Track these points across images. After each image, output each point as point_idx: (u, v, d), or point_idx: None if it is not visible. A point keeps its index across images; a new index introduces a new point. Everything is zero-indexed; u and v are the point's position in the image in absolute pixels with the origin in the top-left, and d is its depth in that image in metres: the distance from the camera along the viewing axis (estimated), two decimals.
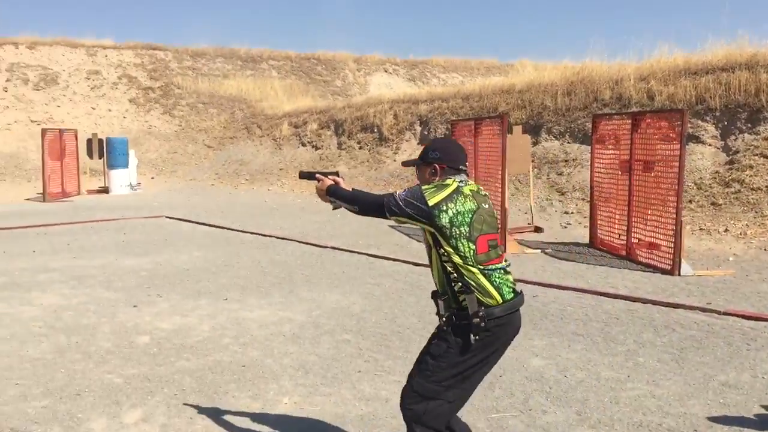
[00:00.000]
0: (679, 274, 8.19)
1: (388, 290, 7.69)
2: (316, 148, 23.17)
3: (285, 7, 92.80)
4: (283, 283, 8.11)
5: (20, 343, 5.80)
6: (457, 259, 2.94)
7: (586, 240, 10.59)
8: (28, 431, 4.07)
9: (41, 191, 19.27)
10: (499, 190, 10.45)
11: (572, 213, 12.52)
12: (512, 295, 3.03)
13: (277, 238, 11.57)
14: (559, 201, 13.14)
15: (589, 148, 13.24)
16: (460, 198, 2.98)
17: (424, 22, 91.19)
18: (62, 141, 20.17)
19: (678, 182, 8.29)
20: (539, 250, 10.05)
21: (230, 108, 28.99)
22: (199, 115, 28.73)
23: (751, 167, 11.19)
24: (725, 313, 6.46)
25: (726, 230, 10.23)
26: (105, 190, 20.96)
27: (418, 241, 11.16)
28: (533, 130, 15.15)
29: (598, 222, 10.31)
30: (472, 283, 2.93)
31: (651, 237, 8.96)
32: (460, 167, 3.13)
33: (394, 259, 9.37)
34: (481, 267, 2.95)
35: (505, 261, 3.10)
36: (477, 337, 2.91)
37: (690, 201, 11.12)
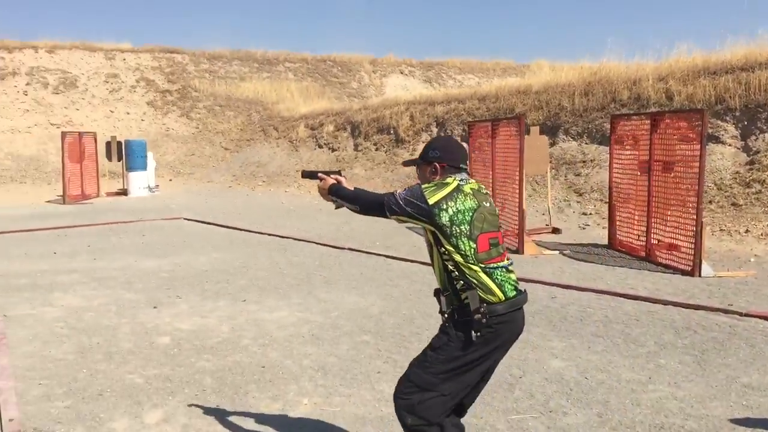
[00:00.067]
0: (700, 276, 8.13)
1: (406, 291, 7.69)
2: (333, 150, 23.22)
3: (301, 9, 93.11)
4: (302, 285, 8.14)
5: (43, 343, 5.87)
6: (458, 257, 2.94)
7: (605, 241, 10.53)
8: (52, 430, 4.11)
9: (61, 193, 19.45)
10: (517, 191, 10.42)
11: (590, 214, 12.46)
12: (515, 292, 3.01)
13: (295, 239, 11.61)
14: (577, 202, 13.08)
15: (606, 148, 13.18)
16: (460, 196, 2.98)
17: (440, 23, 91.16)
18: (82, 144, 20.36)
19: (698, 183, 8.22)
20: (557, 252, 10.00)
21: (247, 110, 29.13)
22: (216, 118, 28.90)
23: None
24: (747, 315, 6.40)
25: (747, 231, 10.14)
26: (124, 193, 21.12)
27: None
28: (550, 130, 15.09)
29: (617, 223, 10.25)
30: (474, 281, 2.92)
31: (671, 238, 8.90)
32: (461, 166, 3.13)
33: (411, 261, 9.37)
34: (483, 265, 2.95)
35: (508, 259, 3.08)
36: (478, 333, 2.90)
37: (710, 201, 11.03)
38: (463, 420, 4.11)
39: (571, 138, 15.09)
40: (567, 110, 15.60)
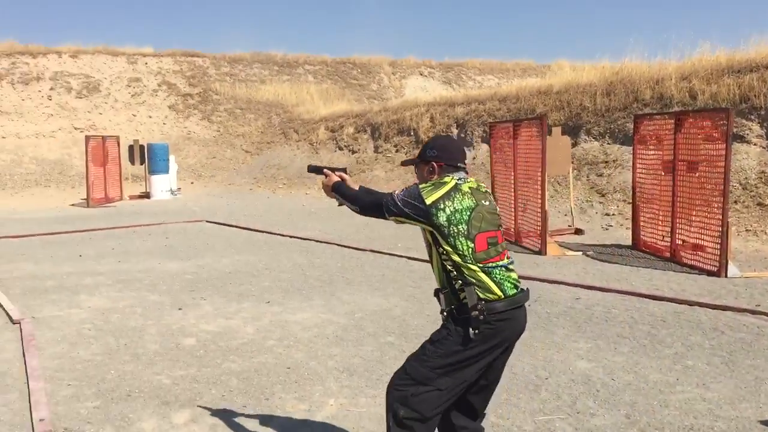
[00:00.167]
0: (726, 276, 8.04)
1: (428, 293, 7.65)
2: (353, 152, 23.27)
3: (320, 12, 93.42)
4: (324, 286, 8.16)
5: (70, 344, 5.93)
6: (456, 257, 2.92)
7: (629, 242, 10.46)
8: (82, 430, 4.16)
9: (85, 197, 19.66)
10: (539, 192, 10.38)
11: (613, 215, 12.37)
12: (515, 291, 2.99)
13: (316, 241, 11.65)
14: (600, 203, 12.99)
15: (629, 148, 13.08)
16: (457, 195, 2.96)
17: (459, 24, 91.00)
18: (105, 147, 20.59)
19: (724, 182, 8.14)
20: (580, 252, 9.95)
21: (267, 113, 29.28)
22: (236, 121, 29.07)
23: None
24: None
25: None
26: (146, 196, 21.31)
27: None
28: (572, 131, 15.00)
29: (641, 223, 10.17)
30: (473, 280, 2.91)
31: (696, 238, 8.82)
32: (459, 165, 3.11)
33: None
34: (481, 265, 2.93)
35: (508, 258, 3.06)
36: (476, 330, 2.88)
37: (735, 201, 10.91)
38: (489, 420, 4.12)
39: (593, 138, 15.00)
40: (589, 110, 15.50)
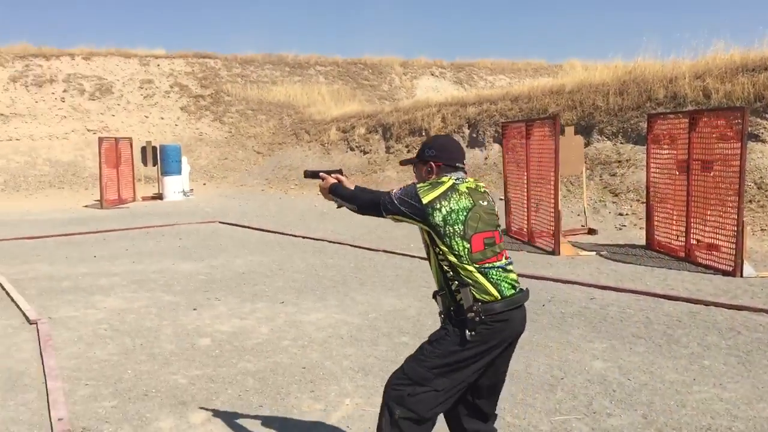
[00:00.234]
0: (742, 276, 7.99)
1: None
2: (365, 153, 23.29)
3: (331, 13, 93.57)
4: (338, 287, 8.17)
5: (87, 345, 5.97)
6: (452, 258, 2.91)
7: (642, 242, 10.41)
8: (100, 430, 4.19)
9: (98, 198, 19.78)
10: (552, 192, 10.35)
11: (627, 214, 12.32)
12: (512, 291, 2.97)
13: (329, 242, 11.67)
14: (613, 202, 12.94)
15: (642, 148, 13.03)
16: (454, 195, 2.95)
17: (470, 24, 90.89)
18: (118, 149, 20.69)
19: (739, 182, 8.09)
20: (594, 253, 9.91)
21: (279, 114, 29.35)
22: (248, 122, 29.16)
23: None
24: None
25: None
26: (159, 197, 21.40)
27: None
28: (584, 130, 14.95)
29: (655, 223, 10.12)
30: (469, 280, 2.89)
31: (711, 238, 8.77)
32: (457, 164, 3.10)
33: None
34: (477, 265, 2.91)
35: (506, 258, 3.03)
36: (473, 332, 2.86)
37: (750, 201, 10.84)
38: (505, 421, 4.12)
39: (606, 138, 14.95)
40: (601, 110, 15.45)
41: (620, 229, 11.83)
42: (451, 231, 2.90)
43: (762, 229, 10.23)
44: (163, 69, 30.73)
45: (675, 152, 9.61)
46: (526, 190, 11.35)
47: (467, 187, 3.02)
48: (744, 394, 4.49)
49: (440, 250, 2.94)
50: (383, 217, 3.03)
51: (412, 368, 2.96)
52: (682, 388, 4.63)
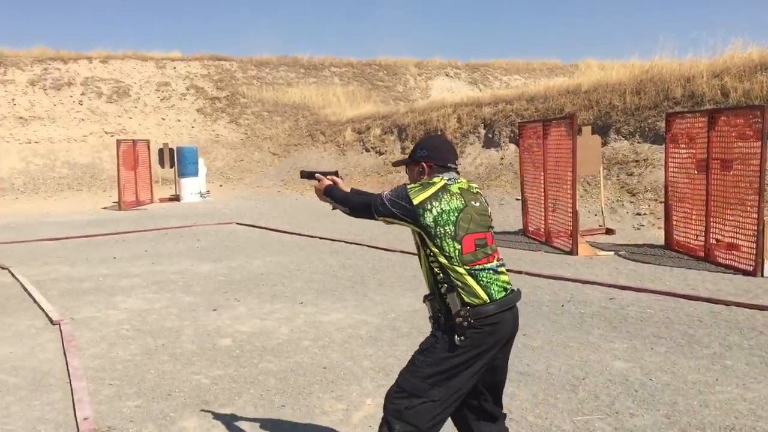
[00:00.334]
0: (762, 275, 7.94)
1: None
2: (380, 154, 23.31)
3: (346, 14, 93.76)
4: (356, 287, 8.20)
5: (110, 345, 6.04)
6: (442, 259, 2.88)
7: (661, 241, 10.35)
8: (125, 429, 4.23)
9: (116, 200, 19.94)
10: (569, 192, 10.33)
11: (645, 214, 12.26)
12: (503, 293, 2.94)
13: (346, 242, 11.70)
14: (631, 202, 12.88)
15: (660, 147, 12.96)
16: (445, 196, 2.92)
17: (484, 24, 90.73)
18: (135, 151, 20.84)
19: (759, 181, 8.04)
20: (612, 252, 9.88)
21: (294, 115, 29.44)
22: (264, 123, 29.28)
23: None
24: None
25: None
26: (176, 198, 21.54)
27: None
28: (601, 130, 14.88)
29: (674, 223, 10.06)
30: (458, 283, 2.86)
31: (731, 238, 8.71)
32: (449, 165, 3.07)
33: None
34: (468, 267, 2.88)
35: (498, 260, 3.00)
36: (462, 337, 2.83)
37: None
38: (527, 421, 4.13)
39: (623, 137, 14.87)
40: (618, 109, 15.38)
41: (638, 228, 11.78)
42: (442, 232, 2.88)
43: None
44: (179, 71, 30.93)
45: (694, 151, 9.56)
46: (543, 190, 11.33)
47: (459, 188, 2.99)
48: (767, 394, 4.47)
49: (431, 251, 2.91)
50: (375, 219, 3.01)
51: (406, 380, 2.93)
52: (705, 388, 4.61)
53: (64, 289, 8.47)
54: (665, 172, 10.42)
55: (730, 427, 3.99)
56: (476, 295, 2.86)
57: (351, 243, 11.56)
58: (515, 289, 3.04)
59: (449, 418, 3.04)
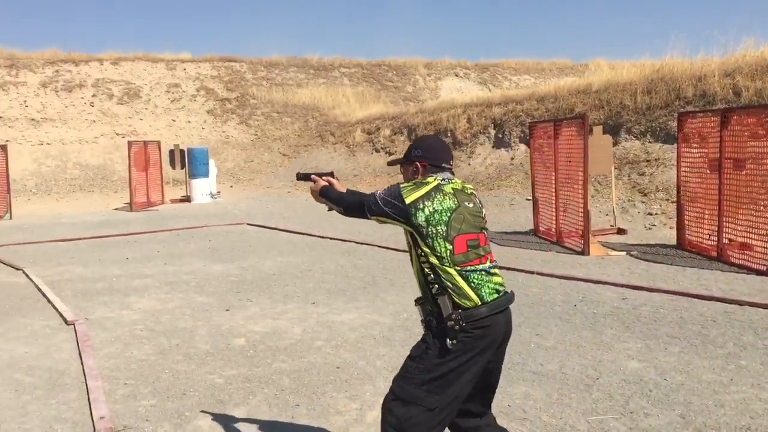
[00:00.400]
0: None
1: None
2: (390, 154, 23.32)
3: (355, 15, 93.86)
4: (368, 287, 8.21)
5: (124, 345, 6.07)
6: (433, 259, 2.86)
7: (673, 241, 10.31)
8: (141, 428, 4.26)
9: (128, 201, 20.05)
10: (580, 191, 10.31)
11: (656, 214, 12.22)
12: (495, 295, 2.91)
13: (357, 243, 11.71)
14: (642, 202, 12.84)
15: (671, 147, 12.94)
16: (438, 196, 2.91)
17: (493, 24, 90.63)
18: (147, 152, 20.94)
19: None
20: (624, 252, 9.85)
21: (304, 116, 29.50)
22: (273, 124, 29.35)
23: None
24: None
25: None
26: (187, 199, 21.62)
27: (499, 244, 11.12)
28: (612, 130, 14.84)
29: (686, 223, 10.03)
30: (449, 284, 2.84)
31: (744, 237, 8.67)
32: (443, 165, 3.06)
33: None
34: (458, 268, 2.86)
35: (490, 262, 2.97)
36: (453, 341, 2.80)
37: None
38: (541, 420, 4.13)
39: (634, 137, 14.83)
40: (629, 109, 15.34)
41: (650, 228, 11.74)
42: (434, 232, 2.86)
43: None
44: (189, 73, 31.05)
45: (706, 151, 9.52)
46: (554, 190, 11.31)
47: (453, 188, 2.98)
48: None
49: (422, 251, 2.89)
50: (368, 218, 3.00)
51: (402, 388, 2.90)
52: (720, 388, 4.60)
53: (78, 290, 8.53)
54: (677, 171, 10.39)
55: (745, 427, 3.97)
56: (467, 297, 2.84)
57: (362, 243, 11.58)
58: (508, 291, 3.01)
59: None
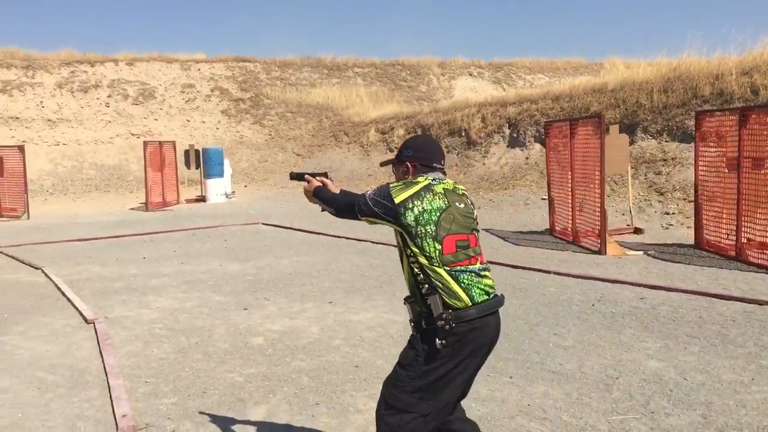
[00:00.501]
0: None
1: None
2: None
3: (368, 15, 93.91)
4: (384, 287, 8.22)
5: (144, 343, 6.12)
6: (423, 259, 2.84)
7: (691, 241, 10.26)
8: (163, 426, 4.29)
9: (143, 201, 20.17)
10: (596, 191, 10.27)
11: (673, 213, 12.15)
12: (485, 297, 2.89)
13: (372, 242, 11.72)
14: (659, 201, 12.77)
15: (688, 146, 12.87)
16: (428, 196, 2.89)
17: (507, 23, 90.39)
18: (162, 153, 21.06)
19: None
20: (641, 252, 9.80)
21: (318, 116, 29.56)
22: (287, 124, 29.42)
23: None
24: None
25: None
26: (202, 199, 21.72)
27: (514, 244, 11.10)
28: (628, 129, 14.77)
29: (704, 222, 9.97)
30: (438, 284, 2.82)
31: (763, 237, 8.61)
32: (434, 165, 3.04)
33: (493, 263, 9.33)
34: (448, 268, 2.84)
35: (481, 263, 2.95)
36: (443, 342, 2.77)
37: None
38: (562, 420, 4.13)
39: (651, 136, 14.75)
40: (645, 108, 15.25)
41: (667, 228, 11.67)
42: (423, 231, 2.84)
43: None
44: (203, 73, 31.19)
45: (724, 149, 9.46)
46: (570, 189, 11.27)
47: (444, 188, 2.96)
48: None
49: (411, 251, 2.87)
50: (359, 219, 2.99)
51: (394, 396, 2.88)
52: (741, 388, 4.57)
53: (96, 289, 8.59)
54: (695, 170, 10.33)
55: (767, 428, 3.96)
56: (457, 298, 2.82)
57: (377, 243, 11.59)
58: (498, 294, 2.99)
59: None
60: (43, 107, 27.24)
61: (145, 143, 20.82)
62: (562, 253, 10.24)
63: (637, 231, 11.45)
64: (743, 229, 8.97)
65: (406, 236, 2.88)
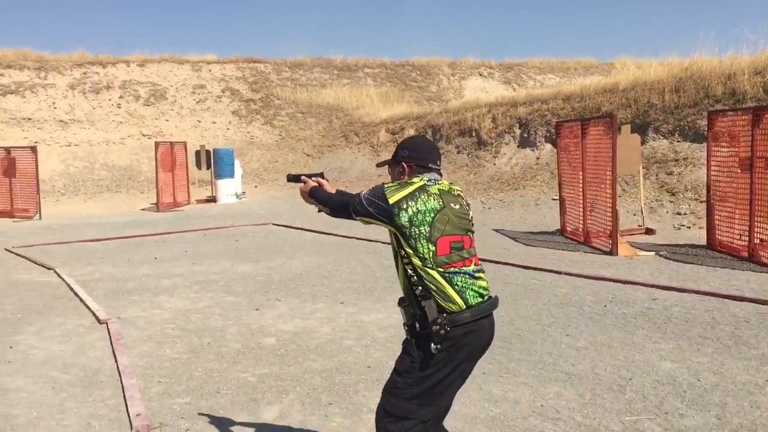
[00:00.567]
0: None
1: (501, 294, 7.65)
2: None
3: (378, 15, 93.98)
4: (395, 287, 8.20)
5: (156, 343, 6.15)
6: (416, 261, 2.82)
7: (703, 241, 10.21)
8: (177, 425, 4.31)
9: (154, 202, 20.25)
10: (608, 191, 10.24)
11: (685, 214, 12.09)
12: (479, 299, 2.86)
13: (383, 243, 11.72)
14: (670, 202, 12.72)
15: (700, 146, 12.80)
16: (423, 196, 2.87)
17: (517, 24, 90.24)
18: (173, 153, 21.15)
19: None
20: (653, 253, 9.77)
21: (328, 117, 29.58)
22: (298, 125, 29.47)
23: None
24: None
25: None
26: (213, 200, 21.80)
27: (525, 244, 11.08)
28: (639, 129, 14.70)
29: (716, 222, 9.92)
30: (432, 286, 2.80)
31: None
32: (430, 165, 3.03)
33: (503, 263, 9.33)
34: (441, 270, 2.82)
35: (475, 265, 2.93)
36: (438, 346, 2.75)
37: None
38: (575, 420, 4.12)
39: (662, 136, 14.69)
40: (657, 108, 15.18)
41: (678, 228, 11.62)
42: (417, 232, 2.82)
43: None
44: (214, 74, 31.28)
45: (736, 149, 9.42)
46: (581, 189, 11.25)
47: (439, 189, 2.95)
48: None
49: (405, 252, 2.85)
50: (353, 219, 2.98)
51: (393, 404, 2.86)
52: (755, 389, 4.55)
53: (109, 289, 8.64)
54: (707, 170, 10.28)
55: None
56: (452, 301, 2.80)
57: (388, 244, 11.52)
58: (492, 296, 2.97)
59: None
60: (55, 108, 27.39)
61: (156, 144, 20.90)
62: (573, 253, 10.21)
63: (649, 231, 11.41)
64: (756, 229, 8.92)
65: (400, 237, 2.87)
